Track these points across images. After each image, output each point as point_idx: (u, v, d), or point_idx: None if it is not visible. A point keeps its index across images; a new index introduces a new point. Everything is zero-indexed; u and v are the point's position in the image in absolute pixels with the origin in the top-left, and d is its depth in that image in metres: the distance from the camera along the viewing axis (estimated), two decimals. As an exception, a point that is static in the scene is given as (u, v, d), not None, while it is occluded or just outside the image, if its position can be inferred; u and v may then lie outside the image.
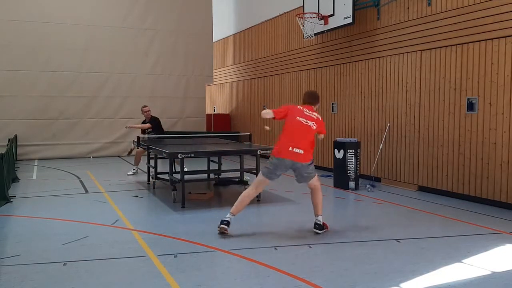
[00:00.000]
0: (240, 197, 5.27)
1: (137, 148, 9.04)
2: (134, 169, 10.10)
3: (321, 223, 5.30)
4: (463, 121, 7.27)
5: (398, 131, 8.59)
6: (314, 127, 5.27)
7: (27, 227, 5.64)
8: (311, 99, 5.56)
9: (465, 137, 7.23)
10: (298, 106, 5.37)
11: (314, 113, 5.36)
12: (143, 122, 10.26)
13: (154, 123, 10.05)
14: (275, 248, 4.72)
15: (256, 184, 5.38)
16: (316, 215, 5.36)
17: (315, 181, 5.35)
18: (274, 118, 5.30)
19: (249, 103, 14.98)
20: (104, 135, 13.88)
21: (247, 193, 5.28)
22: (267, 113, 5.26)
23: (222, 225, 5.14)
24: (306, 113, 5.30)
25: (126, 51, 14.02)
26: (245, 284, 3.76)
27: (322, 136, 5.51)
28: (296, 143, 5.15)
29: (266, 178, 5.28)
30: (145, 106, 10.22)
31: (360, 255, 4.53)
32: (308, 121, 5.24)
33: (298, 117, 5.23)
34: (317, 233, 5.25)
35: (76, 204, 7.04)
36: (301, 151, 5.14)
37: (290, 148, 5.13)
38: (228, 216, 5.20)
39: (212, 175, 8.65)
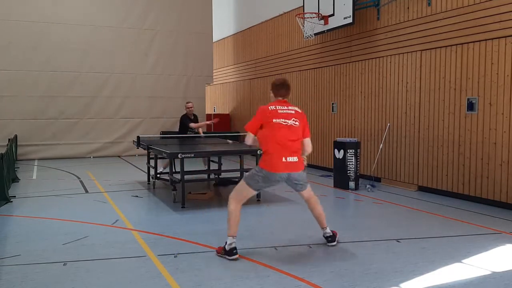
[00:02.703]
0: (229, 216, 4.47)
1: (137, 148, 8.93)
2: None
3: (332, 233, 4.83)
4: (463, 121, 7.27)
5: (398, 131, 8.59)
6: (297, 124, 4.50)
7: (27, 227, 5.64)
8: (282, 91, 4.69)
9: (465, 137, 7.23)
10: (269, 107, 4.54)
11: (290, 108, 4.58)
12: (187, 120, 9.56)
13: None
14: (275, 248, 4.72)
15: (238, 197, 4.55)
16: (324, 228, 4.83)
17: (310, 189, 4.75)
18: (254, 135, 4.51)
19: (249, 103, 14.98)
20: (104, 135, 13.88)
21: (232, 210, 4.48)
22: (249, 137, 4.51)
23: (234, 256, 4.36)
24: (280, 111, 4.50)
25: (126, 51, 14.03)
26: (245, 284, 3.76)
27: (307, 143, 4.63)
28: (289, 150, 4.40)
29: (252, 189, 4.53)
30: (190, 102, 9.73)
31: (360, 255, 4.53)
32: (287, 121, 4.47)
33: (275, 120, 4.43)
34: (333, 245, 4.79)
35: (76, 204, 7.04)
36: (295, 159, 4.45)
37: (284, 159, 4.37)
38: (231, 241, 4.41)
39: (212, 175, 8.65)
